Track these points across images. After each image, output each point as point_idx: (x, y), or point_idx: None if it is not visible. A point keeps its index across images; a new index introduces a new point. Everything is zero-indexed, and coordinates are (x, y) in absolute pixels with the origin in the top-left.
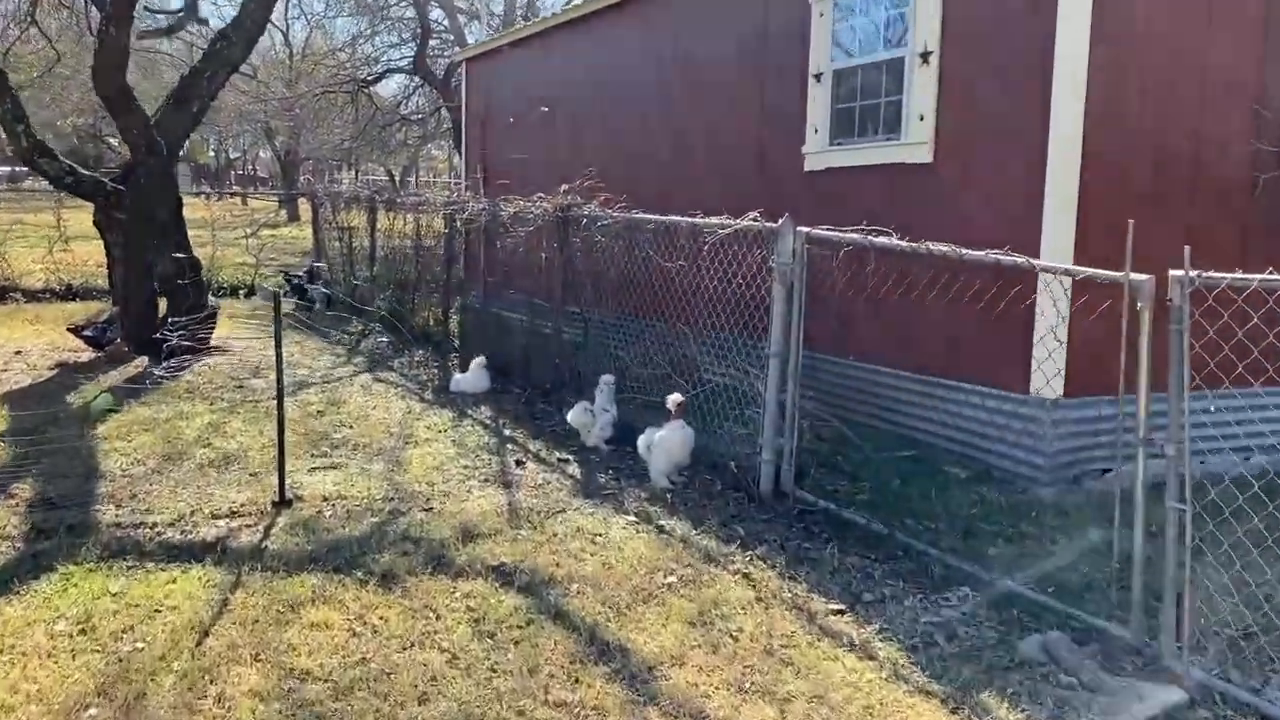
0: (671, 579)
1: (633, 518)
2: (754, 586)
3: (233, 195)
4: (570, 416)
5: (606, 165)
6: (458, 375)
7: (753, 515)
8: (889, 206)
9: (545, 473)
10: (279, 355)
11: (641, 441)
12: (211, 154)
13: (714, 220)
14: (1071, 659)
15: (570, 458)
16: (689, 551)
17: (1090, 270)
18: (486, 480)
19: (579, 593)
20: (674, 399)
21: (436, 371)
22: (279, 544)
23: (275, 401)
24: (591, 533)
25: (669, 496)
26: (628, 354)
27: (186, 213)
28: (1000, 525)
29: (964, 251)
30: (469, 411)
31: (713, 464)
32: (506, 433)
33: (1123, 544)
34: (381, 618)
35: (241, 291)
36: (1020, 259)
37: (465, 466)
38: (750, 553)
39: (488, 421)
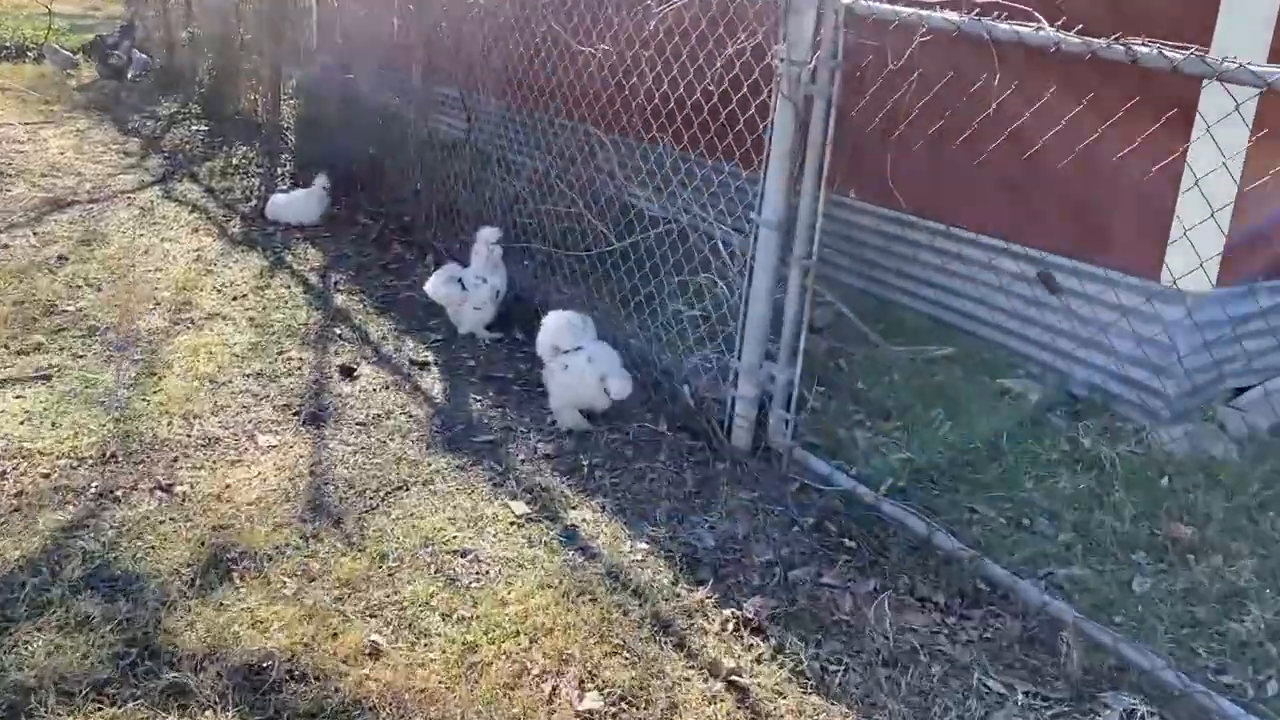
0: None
1: (523, 506)
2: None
3: None
4: (430, 287)
5: None
6: (279, 196)
7: (724, 496)
8: None
9: (386, 391)
10: None
11: (543, 335)
12: None
13: None
14: None
15: (430, 358)
16: (623, 613)
17: None
18: (286, 408)
19: None
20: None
21: (258, 183)
22: None
23: None
24: (447, 549)
25: (584, 455)
26: (530, 173)
27: None
28: (1156, 533)
29: (1137, 48)
30: (289, 258)
31: (655, 382)
32: (338, 301)
33: None
34: None
35: (31, 54)
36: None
37: (259, 376)
38: (737, 608)
39: (313, 279)
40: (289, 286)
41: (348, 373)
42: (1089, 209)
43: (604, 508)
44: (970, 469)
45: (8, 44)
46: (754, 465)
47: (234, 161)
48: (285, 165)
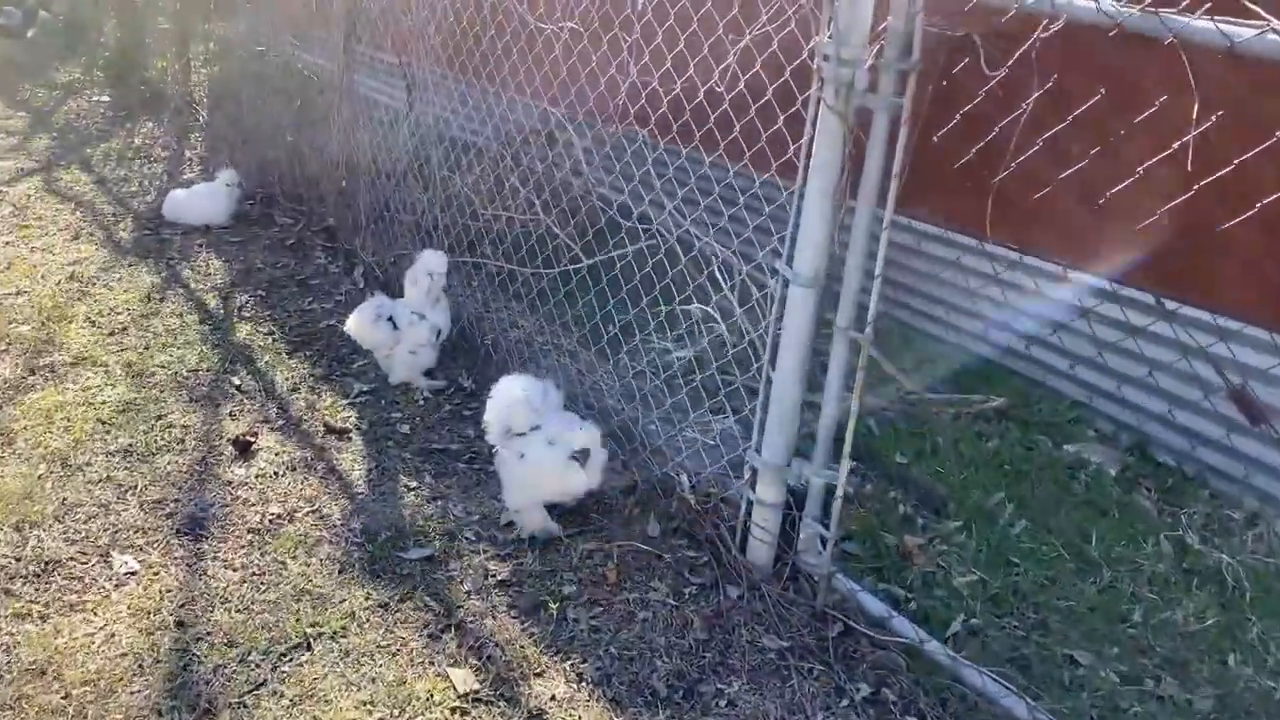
0: None
1: (469, 677)
2: None
3: None
4: (354, 327)
5: None
6: (178, 192)
7: (743, 647)
8: None
9: (292, 475)
10: None
11: (491, 415)
12: None
13: None
14: None
15: (351, 421)
16: None
17: None
18: (158, 506)
19: None
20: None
21: (161, 171)
22: None
23: None
24: None
25: (552, 580)
26: (485, 165)
27: None
28: None
29: None
30: (186, 273)
31: (640, 460)
32: (241, 334)
33: None
34: None
35: None
36: None
37: (127, 454)
38: None
39: (213, 302)
40: (181, 314)
41: (243, 448)
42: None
43: (581, 676)
44: (1059, 590)
45: None
46: (776, 592)
47: (136, 142)
48: (196, 148)
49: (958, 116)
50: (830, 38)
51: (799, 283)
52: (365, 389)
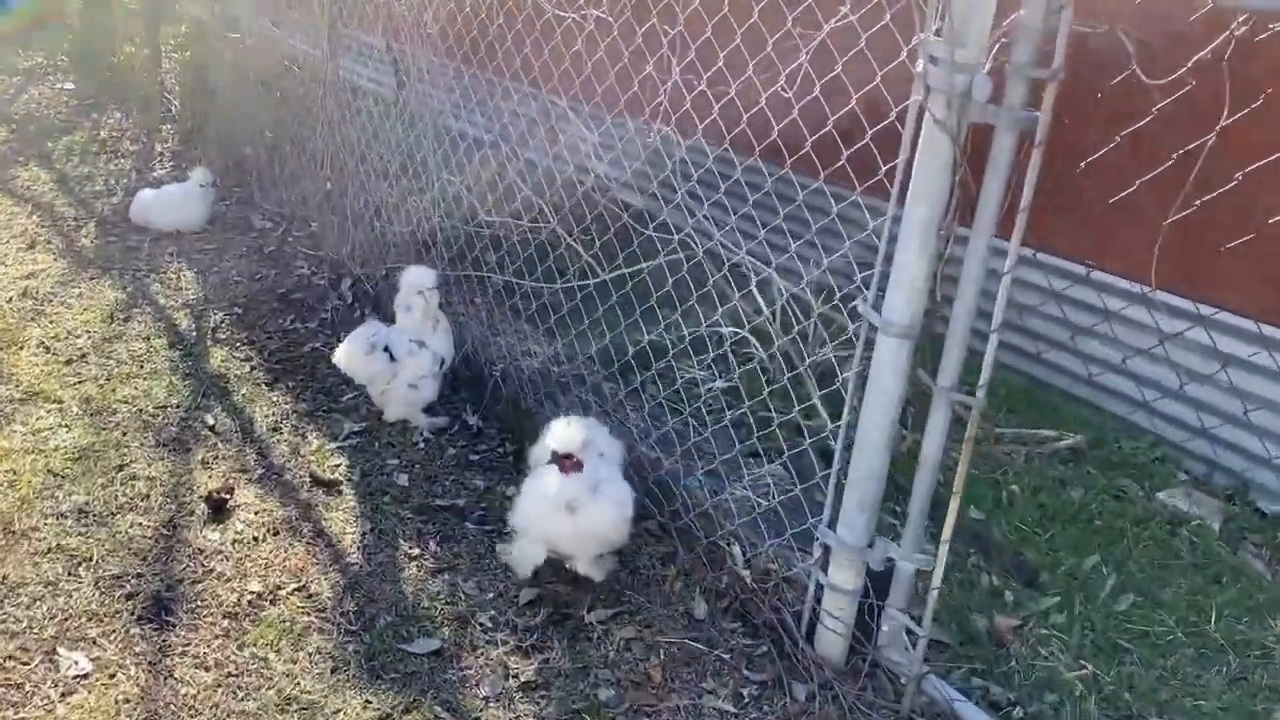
0: None
1: None
2: None
3: None
4: (344, 359)
5: None
6: (146, 192)
7: None
8: None
9: (274, 540)
10: None
11: (525, 503)
12: None
13: None
14: None
15: (341, 470)
16: None
17: None
18: (117, 583)
19: None
20: (560, 437)
21: (129, 167)
22: None
23: None
24: None
25: (585, 678)
26: (486, 161)
27: None
28: None
29: None
30: (155, 287)
31: (681, 528)
32: (216, 361)
33: None
34: None
35: None
36: None
37: (82, 516)
38: None
39: (184, 323)
40: (148, 338)
41: (218, 506)
42: None
43: None
44: (1183, 686)
45: None
46: (853, 694)
47: (101, 135)
48: (167, 141)
49: (1117, 138)
50: (938, 34)
51: (890, 332)
52: (356, 429)
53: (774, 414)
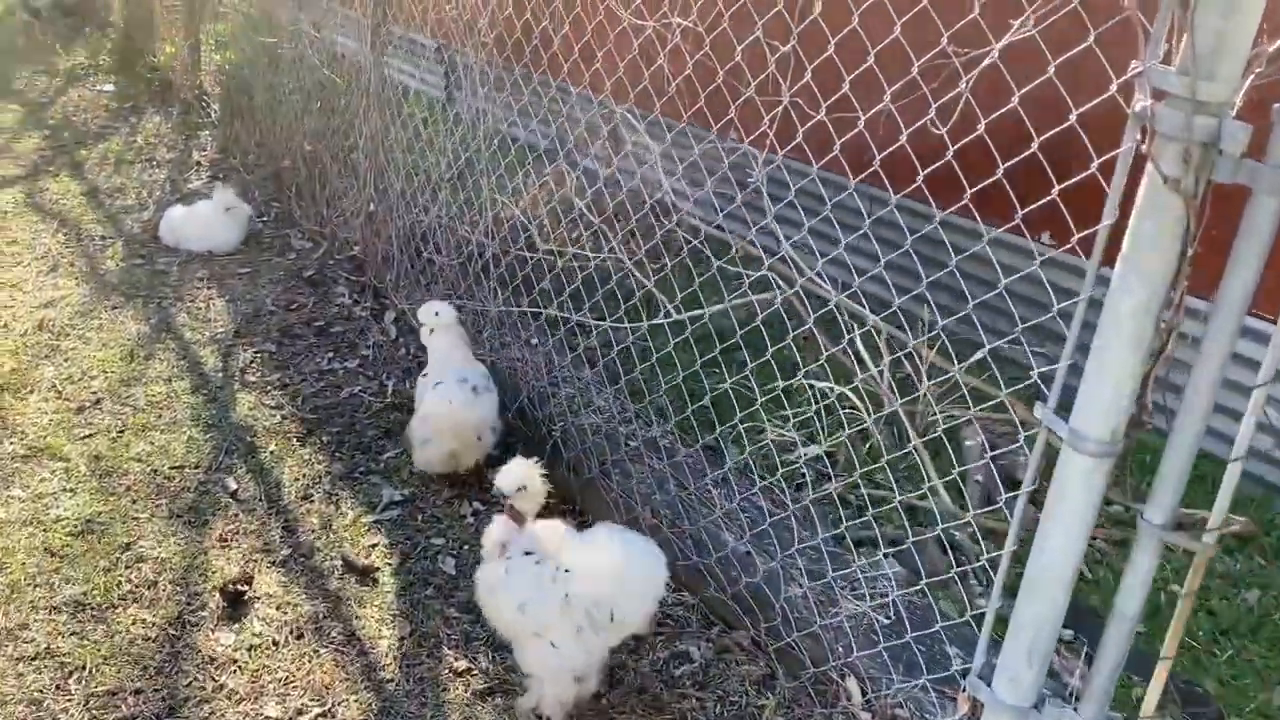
0: None
1: None
2: None
3: None
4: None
5: None
6: (176, 210)
7: None
8: None
9: (295, 645)
10: None
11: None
12: None
13: None
14: None
15: (380, 551)
16: None
17: None
18: (110, 701)
19: None
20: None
21: (164, 178)
22: None
23: None
24: None
25: None
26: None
27: None
28: None
29: None
30: (181, 317)
31: (783, 651)
32: (243, 408)
33: None
34: None
35: None
36: None
37: (78, 611)
38: None
39: (210, 360)
40: (170, 379)
41: (234, 599)
42: None
43: None
44: None
45: None
46: None
47: (138, 142)
48: (205, 149)
49: None
50: (1168, 60)
51: (1083, 448)
52: (397, 497)
53: (887, 490)
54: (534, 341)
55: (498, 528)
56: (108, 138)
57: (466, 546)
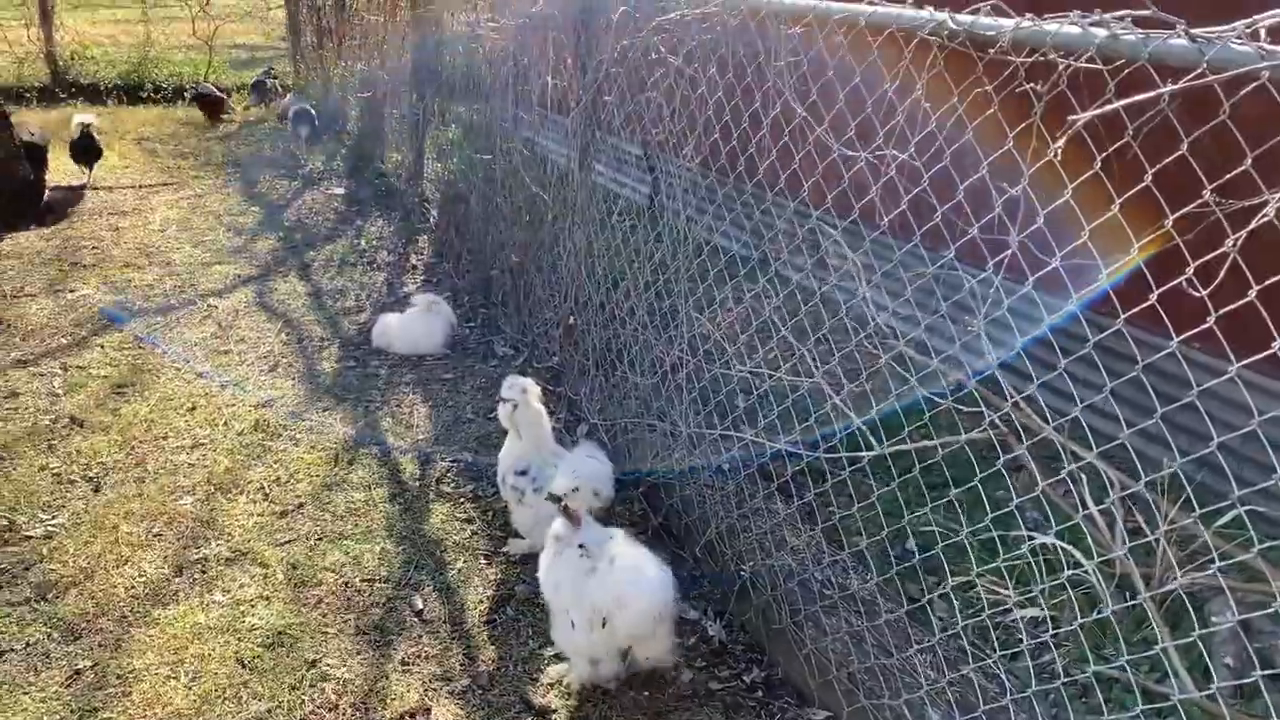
0: None
1: None
2: None
3: None
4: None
5: None
6: (390, 317)
7: None
8: None
9: None
10: None
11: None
12: None
13: None
14: None
15: (560, 686)
16: None
17: None
18: None
19: None
20: None
21: (383, 280)
22: None
23: None
24: None
25: None
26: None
27: None
28: None
29: None
30: (386, 421)
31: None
32: (435, 519)
33: None
34: None
35: (188, 94)
36: None
37: None
38: None
39: (409, 469)
40: (369, 487)
41: None
42: None
43: None
44: None
45: (163, 85)
46: None
47: (361, 245)
48: (423, 254)
49: None
50: None
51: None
52: None
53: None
54: (726, 468)
55: (558, 525)
56: (334, 239)
57: (647, 693)
